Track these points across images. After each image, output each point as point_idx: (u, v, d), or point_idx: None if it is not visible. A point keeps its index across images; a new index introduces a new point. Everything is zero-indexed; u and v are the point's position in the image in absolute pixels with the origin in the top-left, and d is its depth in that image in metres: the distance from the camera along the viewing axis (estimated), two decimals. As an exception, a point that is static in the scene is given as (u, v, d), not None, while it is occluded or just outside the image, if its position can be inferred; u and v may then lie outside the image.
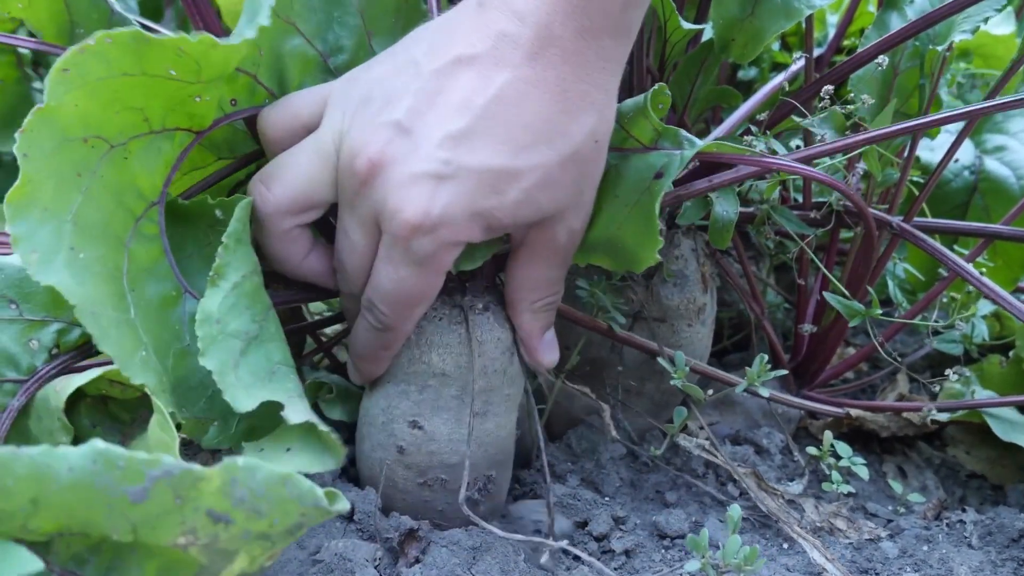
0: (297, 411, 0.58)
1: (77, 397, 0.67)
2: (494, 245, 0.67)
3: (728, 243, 0.85)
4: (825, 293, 0.90)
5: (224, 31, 0.82)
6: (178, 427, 0.63)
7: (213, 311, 0.58)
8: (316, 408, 0.85)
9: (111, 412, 0.71)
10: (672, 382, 0.78)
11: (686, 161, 0.63)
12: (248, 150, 0.75)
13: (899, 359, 1.16)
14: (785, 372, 0.82)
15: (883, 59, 0.81)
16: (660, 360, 0.79)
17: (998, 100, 0.80)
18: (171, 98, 0.61)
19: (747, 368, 0.81)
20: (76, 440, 0.65)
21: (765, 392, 0.80)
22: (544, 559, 0.69)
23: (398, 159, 0.60)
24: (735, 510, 0.64)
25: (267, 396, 0.58)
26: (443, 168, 0.59)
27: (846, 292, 0.90)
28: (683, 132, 0.65)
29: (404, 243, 0.61)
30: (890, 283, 1.12)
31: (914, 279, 1.11)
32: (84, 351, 0.65)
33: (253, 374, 0.59)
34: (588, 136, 0.60)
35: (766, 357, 0.78)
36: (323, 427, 0.58)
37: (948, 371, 1.13)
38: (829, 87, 0.82)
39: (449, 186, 0.59)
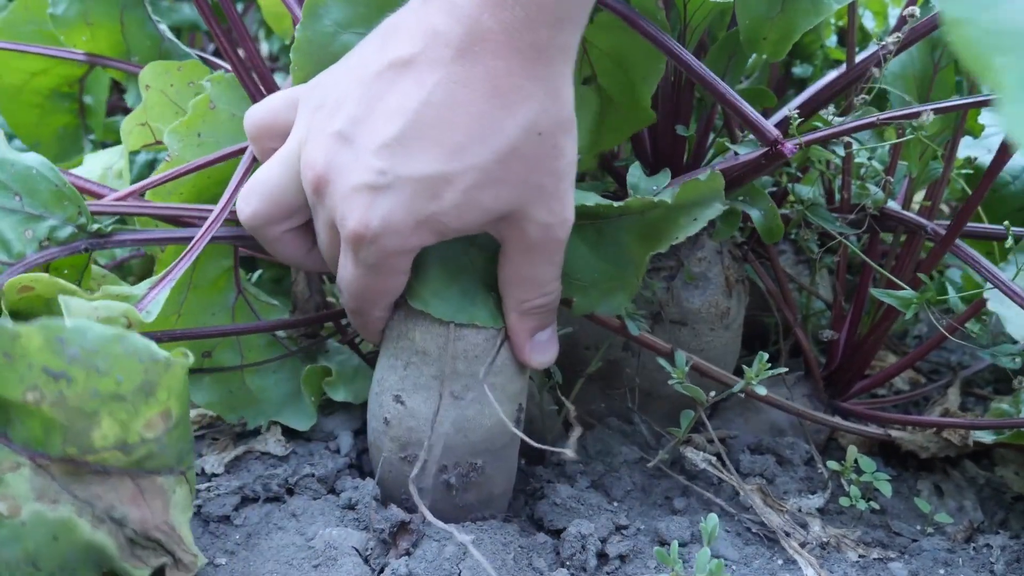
0: None
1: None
2: None
3: (779, 237, 0.83)
4: (873, 289, 0.86)
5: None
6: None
7: None
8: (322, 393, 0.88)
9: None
10: (671, 383, 0.77)
11: None
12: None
13: (954, 371, 1.10)
14: (784, 371, 0.79)
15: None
16: (660, 360, 0.78)
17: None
18: None
19: (745, 368, 0.78)
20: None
21: (762, 391, 0.77)
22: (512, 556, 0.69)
23: (341, 171, 0.61)
24: (711, 520, 0.62)
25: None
26: (379, 179, 0.59)
27: (899, 282, 0.86)
28: None
29: (354, 250, 0.63)
30: (950, 290, 1.06)
31: (971, 286, 1.04)
32: (72, 248, 0.71)
33: None
34: (526, 130, 0.58)
35: (766, 356, 0.75)
36: None
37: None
38: (864, 96, 0.78)
39: (387, 196, 0.59)
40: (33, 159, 0.70)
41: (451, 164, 0.58)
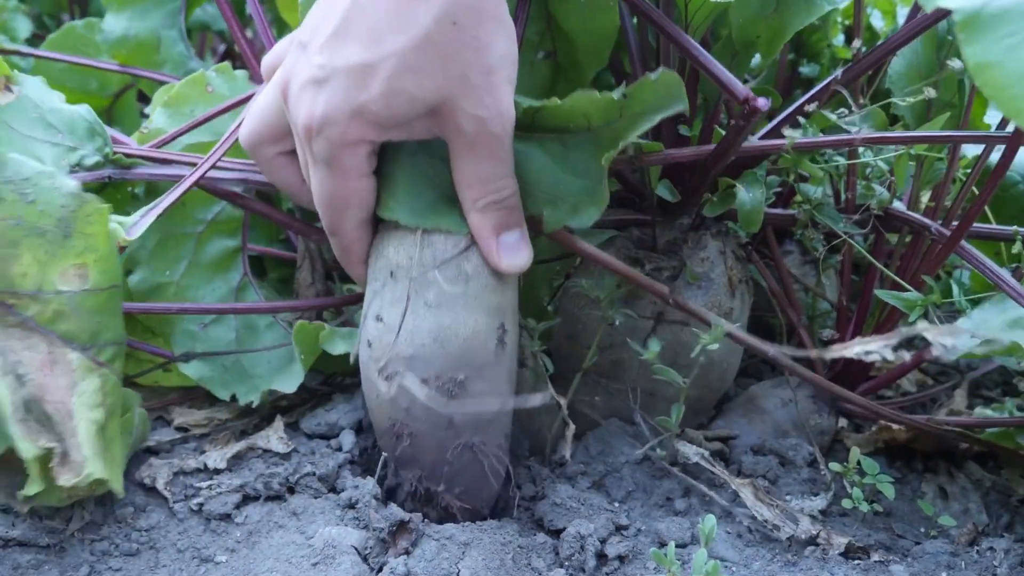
0: None
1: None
2: None
3: (758, 226, 0.82)
4: (877, 291, 0.85)
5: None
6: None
7: None
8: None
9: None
10: (708, 346, 0.77)
11: None
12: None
13: (961, 372, 1.09)
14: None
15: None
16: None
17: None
18: None
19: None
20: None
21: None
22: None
23: (295, 72, 0.66)
24: (709, 521, 0.62)
25: None
26: (319, 72, 0.64)
27: (904, 283, 0.85)
28: None
29: (308, 147, 0.67)
30: (955, 289, 1.05)
31: (979, 287, 1.04)
32: (98, 175, 0.83)
33: None
34: (439, 19, 0.61)
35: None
36: None
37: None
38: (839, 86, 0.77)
39: (326, 87, 0.64)
40: (79, 108, 0.84)
41: (373, 52, 0.62)
